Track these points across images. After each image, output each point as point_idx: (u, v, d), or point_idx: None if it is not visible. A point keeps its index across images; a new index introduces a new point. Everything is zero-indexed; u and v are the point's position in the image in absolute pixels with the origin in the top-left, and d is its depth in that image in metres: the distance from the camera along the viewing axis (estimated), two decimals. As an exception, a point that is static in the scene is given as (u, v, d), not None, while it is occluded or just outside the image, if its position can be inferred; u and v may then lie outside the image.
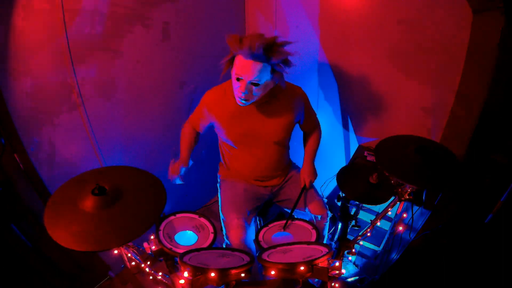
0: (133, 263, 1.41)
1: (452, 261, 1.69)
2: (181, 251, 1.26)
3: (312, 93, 2.40)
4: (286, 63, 1.37)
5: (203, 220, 1.49)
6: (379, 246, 2.14)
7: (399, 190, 1.53)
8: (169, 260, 1.34)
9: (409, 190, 1.50)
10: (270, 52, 1.29)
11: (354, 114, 2.33)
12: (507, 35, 1.47)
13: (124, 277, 2.12)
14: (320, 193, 1.76)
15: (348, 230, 1.87)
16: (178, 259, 1.15)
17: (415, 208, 1.84)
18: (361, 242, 2.04)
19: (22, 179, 1.61)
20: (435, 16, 1.72)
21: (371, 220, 1.70)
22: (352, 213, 1.89)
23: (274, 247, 1.33)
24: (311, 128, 1.77)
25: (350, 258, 2.23)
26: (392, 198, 1.60)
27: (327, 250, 1.20)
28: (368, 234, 1.72)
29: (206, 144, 2.42)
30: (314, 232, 1.51)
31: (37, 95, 1.56)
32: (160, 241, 1.33)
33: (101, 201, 1.11)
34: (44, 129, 1.64)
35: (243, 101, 1.42)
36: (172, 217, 1.47)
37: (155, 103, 2.11)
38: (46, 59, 1.53)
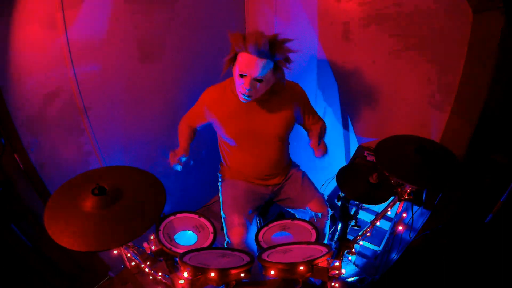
0: (133, 263, 1.41)
1: (452, 261, 1.69)
2: (181, 251, 1.26)
3: (311, 93, 2.40)
4: (288, 60, 1.42)
5: (203, 220, 1.49)
6: (379, 246, 2.14)
7: (399, 190, 1.53)
8: (169, 260, 1.34)
9: (409, 190, 1.50)
10: (274, 48, 1.33)
11: (354, 114, 2.33)
12: (507, 35, 1.47)
13: (124, 277, 2.12)
14: (320, 191, 1.76)
15: (348, 230, 1.87)
16: (178, 259, 1.15)
17: (415, 208, 1.84)
18: (361, 242, 2.04)
19: (22, 179, 1.61)
20: (435, 16, 1.72)
21: (371, 220, 1.70)
22: (352, 213, 1.89)
23: (274, 247, 1.33)
24: (314, 123, 1.77)
25: (350, 258, 2.23)
26: (392, 198, 1.60)
27: (327, 250, 1.20)
28: (368, 234, 1.72)
29: (206, 144, 2.42)
30: (314, 232, 1.50)
31: (37, 95, 1.56)
32: (160, 241, 1.33)
33: (101, 201, 1.11)
34: (44, 129, 1.64)
35: (246, 98, 1.45)
36: (172, 217, 1.47)
37: (155, 103, 2.11)
38: (46, 59, 1.53)
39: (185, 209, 1.54)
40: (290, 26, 2.25)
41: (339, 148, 2.54)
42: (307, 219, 1.65)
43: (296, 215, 1.78)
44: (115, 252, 1.43)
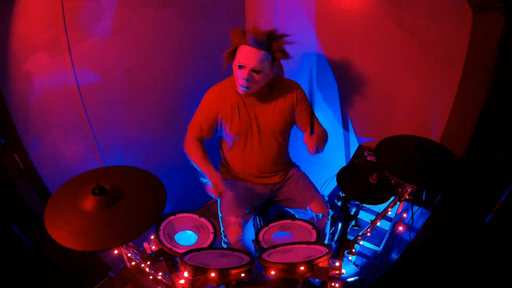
0: (133, 263, 1.41)
1: (452, 261, 1.69)
2: (181, 251, 1.26)
3: (312, 93, 2.39)
4: (285, 53, 1.48)
5: (203, 220, 1.49)
6: (379, 246, 2.14)
7: (399, 190, 1.53)
8: (169, 260, 1.34)
9: (409, 190, 1.50)
10: (272, 40, 1.41)
11: (354, 114, 2.33)
12: (507, 35, 1.47)
13: (124, 277, 2.12)
14: (320, 192, 1.76)
15: (348, 230, 1.87)
16: (178, 259, 1.15)
17: (415, 208, 1.84)
18: (361, 242, 2.04)
19: (22, 179, 1.61)
20: (435, 16, 1.72)
21: (371, 220, 1.70)
22: (352, 213, 1.89)
23: (274, 247, 1.33)
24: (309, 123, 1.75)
25: (350, 258, 2.23)
26: (392, 198, 1.60)
27: (327, 250, 1.20)
28: (368, 234, 1.72)
29: (206, 144, 2.42)
30: (314, 232, 1.50)
31: (37, 95, 1.56)
32: (160, 241, 1.33)
33: (101, 201, 1.11)
34: (44, 129, 1.64)
35: (244, 89, 1.49)
36: (172, 217, 1.47)
37: (155, 103, 2.11)
38: (46, 59, 1.53)
39: (185, 209, 1.54)
40: (290, 26, 2.25)
41: (339, 148, 2.53)
42: (307, 220, 1.65)
43: (296, 216, 1.78)
44: (115, 252, 1.43)
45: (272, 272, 1.16)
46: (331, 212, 1.71)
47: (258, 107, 1.61)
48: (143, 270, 1.36)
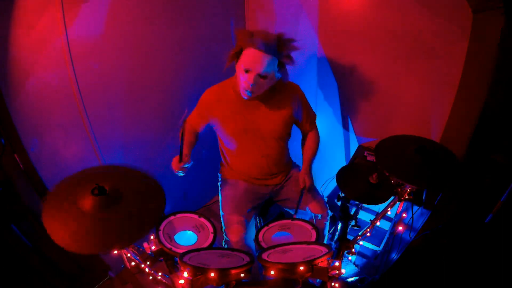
0: (133, 263, 1.41)
1: (452, 261, 1.69)
2: (181, 251, 1.26)
3: (312, 93, 2.40)
4: (291, 59, 1.44)
5: (203, 220, 1.49)
6: (379, 246, 2.14)
7: (399, 190, 1.53)
8: (169, 260, 1.34)
9: (409, 190, 1.50)
10: (281, 45, 1.37)
11: (354, 114, 2.33)
12: (507, 35, 1.47)
13: (124, 277, 2.12)
14: (320, 193, 1.76)
15: (348, 230, 1.87)
16: (178, 259, 1.15)
17: (415, 208, 1.84)
18: (361, 242, 2.04)
19: (22, 179, 1.61)
20: (435, 16, 1.72)
21: (371, 220, 1.70)
22: (352, 213, 1.89)
23: (274, 247, 1.33)
24: (309, 128, 1.77)
25: (350, 258, 2.23)
26: (392, 198, 1.60)
27: (327, 250, 1.20)
28: (368, 234, 1.71)
29: (206, 144, 2.41)
30: (314, 232, 1.50)
31: (37, 95, 1.56)
32: (160, 241, 1.33)
33: (101, 202, 1.11)
34: (44, 129, 1.64)
35: (249, 94, 1.45)
36: (172, 217, 1.47)
37: (155, 103, 2.10)
38: (46, 59, 1.53)
39: (185, 209, 1.54)
40: (291, 25, 2.25)
41: (339, 148, 2.54)
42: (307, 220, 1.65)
43: (296, 216, 1.78)
44: (115, 252, 1.43)
45: (272, 272, 1.16)
46: (330, 213, 1.71)
47: (259, 109, 1.58)
48: (143, 270, 1.36)
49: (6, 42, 1.39)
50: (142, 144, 2.13)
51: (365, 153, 2.21)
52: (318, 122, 1.82)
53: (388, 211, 1.63)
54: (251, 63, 1.38)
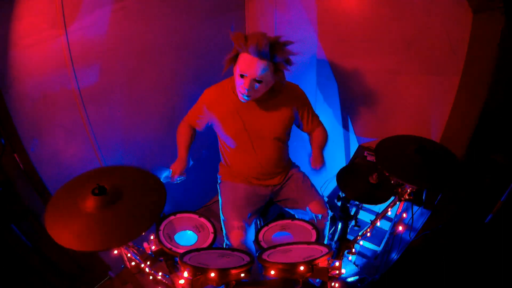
0: (133, 263, 1.41)
1: (452, 261, 1.69)
2: (181, 251, 1.26)
3: (311, 93, 2.40)
4: (288, 62, 1.42)
5: (203, 220, 1.49)
6: (379, 246, 2.14)
7: (399, 190, 1.53)
8: (169, 260, 1.33)
9: (409, 190, 1.50)
10: (274, 50, 1.34)
11: (354, 114, 2.33)
12: (507, 35, 1.48)
13: (124, 277, 2.12)
14: (320, 193, 1.76)
15: (348, 230, 1.87)
16: (178, 259, 1.15)
17: (415, 208, 1.84)
18: (361, 242, 2.04)
19: (22, 179, 1.61)
20: (435, 16, 1.72)
21: (371, 220, 1.70)
22: (352, 213, 1.89)
23: (274, 247, 1.32)
24: (315, 126, 1.77)
25: (350, 258, 2.22)
26: (392, 198, 1.60)
27: (327, 250, 1.20)
28: (368, 234, 1.71)
29: (206, 144, 2.42)
30: (314, 232, 1.50)
31: (37, 95, 1.56)
32: (160, 241, 1.33)
33: (101, 201, 1.11)
34: (44, 129, 1.64)
35: (246, 98, 1.46)
36: (172, 217, 1.47)
37: (155, 103, 2.10)
38: (46, 59, 1.53)
39: (185, 209, 1.54)
40: (291, 26, 2.25)
41: (339, 148, 2.53)
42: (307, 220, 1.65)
43: (296, 216, 1.78)
44: (115, 252, 1.43)
45: (272, 272, 1.16)
46: (330, 213, 1.71)
47: (258, 112, 1.58)
48: (143, 270, 1.36)
49: (6, 42, 1.39)
50: (142, 144, 2.13)
51: (365, 153, 2.21)
52: (318, 122, 1.82)
53: (388, 211, 1.63)
54: (246, 68, 1.37)
